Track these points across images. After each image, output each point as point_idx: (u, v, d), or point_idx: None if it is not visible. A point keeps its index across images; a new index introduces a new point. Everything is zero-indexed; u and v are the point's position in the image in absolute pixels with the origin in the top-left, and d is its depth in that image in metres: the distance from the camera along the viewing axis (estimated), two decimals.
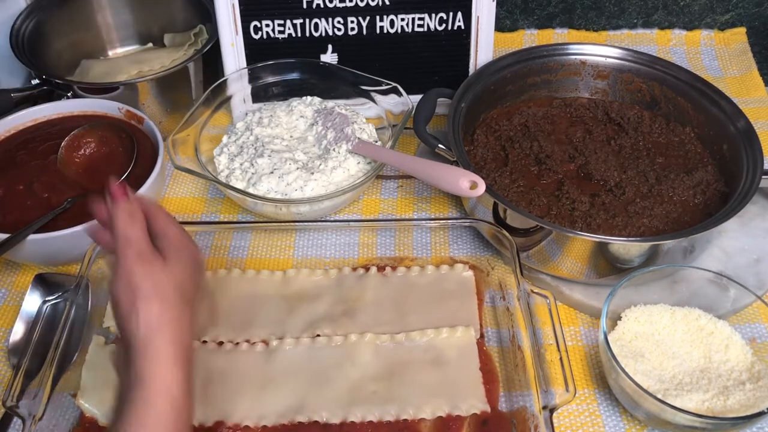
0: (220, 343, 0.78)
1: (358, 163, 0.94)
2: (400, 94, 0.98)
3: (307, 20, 1.01)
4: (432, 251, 0.90)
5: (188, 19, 1.15)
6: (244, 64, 1.03)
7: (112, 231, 0.61)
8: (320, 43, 1.03)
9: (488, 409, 0.72)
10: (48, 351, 0.70)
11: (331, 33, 1.03)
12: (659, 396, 0.68)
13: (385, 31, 1.03)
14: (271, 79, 1.04)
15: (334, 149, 0.94)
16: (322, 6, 1.00)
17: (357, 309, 0.81)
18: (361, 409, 0.72)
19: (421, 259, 0.88)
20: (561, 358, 0.69)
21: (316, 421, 0.71)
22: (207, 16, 1.10)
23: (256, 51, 1.03)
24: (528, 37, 1.24)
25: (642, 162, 0.91)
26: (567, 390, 0.67)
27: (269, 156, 0.93)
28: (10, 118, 0.96)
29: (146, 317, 0.56)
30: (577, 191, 0.86)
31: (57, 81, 0.99)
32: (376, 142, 0.98)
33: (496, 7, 1.02)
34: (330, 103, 1.02)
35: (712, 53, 1.22)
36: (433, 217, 0.96)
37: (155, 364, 0.55)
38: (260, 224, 0.93)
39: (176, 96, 1.04)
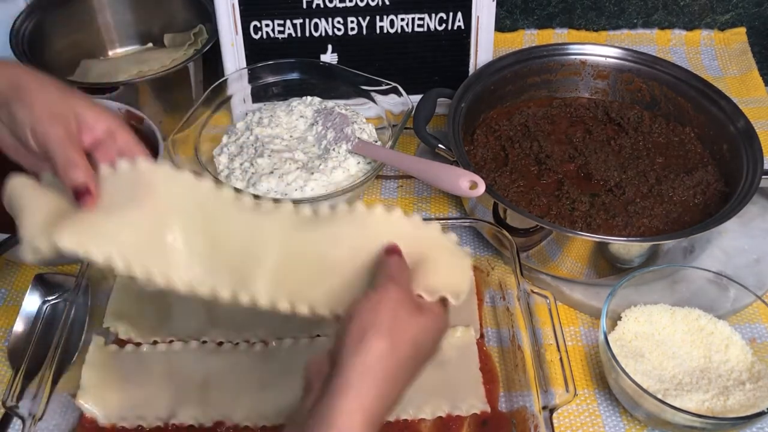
0: (220, 343, 0.78)
1: (358, 163, 0.94)
2: (400, 94, 0.98)
3: (307, 20, 1.01)
4: None
5: (188, 19, 1.15)
6: (244, 64, 1.03)
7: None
8: (320, 43, 1.03)
9: (488, 409, 0.72)
10: (48, 351, 0.70)
11: (331, 33, 1.03)
12: (659, 396, 0.68)
13: (385, 31, 1.03)
14: (271, 79, 1.04)
15: (334, 149, 0.94)
16: (322, 6, 1.00)
17: None
18: None
19: None
20: (561, 358, 0.69)
21: None
22: (207, 16, 1.10)
23: (256, 51, 1.03)
24: (528, 37, 1.24)
25: (642, 162, 0.91)
26: (567, 390, 0.67)
27: (269, 156, 0.93)
28: None
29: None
30: (577, 191, 0.86)
31: None
32: (376, 142, 0.98)
33: (496, 7, 1.01)
34: (330, 103, 1.02)
35: (712, 53, 1.22)
36: (433, 217, 0.96)
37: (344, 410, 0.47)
38: None
39: (176, 96, 1.04)
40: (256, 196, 0.86)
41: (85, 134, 0.59)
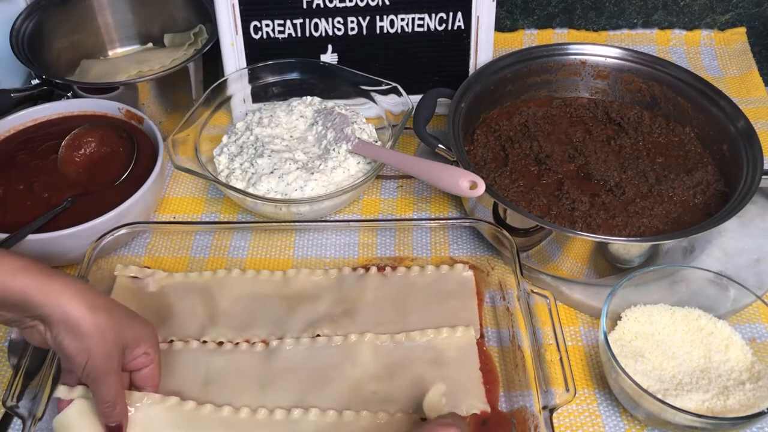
0: (220, 343, 0.78)
1: (358, 163, 0.94)
2: (400, 94, 0.98)
3: (307, 20, 1.01)
4: (432, 251, 0.90)
5: (188, 19, 1.15)
6: (244, 64, 1.03)
7: None
8: (320, 43, 1.03)
9: (488, 409, 0.72)
10: (48, 351, 0.70)
11: (331, 33, 1.03)
12: (659, 396, 0.68)
13: (385, 31, 1.03)
14: (271, 79, 1.04)
15: (334, 149, 0.94)
16: (322, 6, 1.00)
17: (357, 309, 0.81)
18: (361, 410, 0.71)
19: (421, 259, 0.88)
20: (561, 358, 0.69)
21: None
22: (207, 16, 1.10)
23: (256, 51, 1.03)
24: (528, 37, 1.24)
25: (642, 162, 0.91)
26: (567, 390, 0.67)
27: (269, 156, 0.93)
28: (10, 118, 0.96)
29: None
30: (577, 191, 0.86)
31: (57, 81, 0.99)
32: (376, 142, 0.98)
33: (496, 7, 1.02)
34: (330, 103, 1.02)
35: (712, 53, 1.22)
36: (433, 217, 0.96)
37: None
38: (260, 224, 0.93)
39: (176, 96, 1.04)
40: (257, 197, 0.87)
41: (126, 355, 0.67)
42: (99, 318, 0.63)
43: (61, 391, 0.68)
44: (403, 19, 1.02)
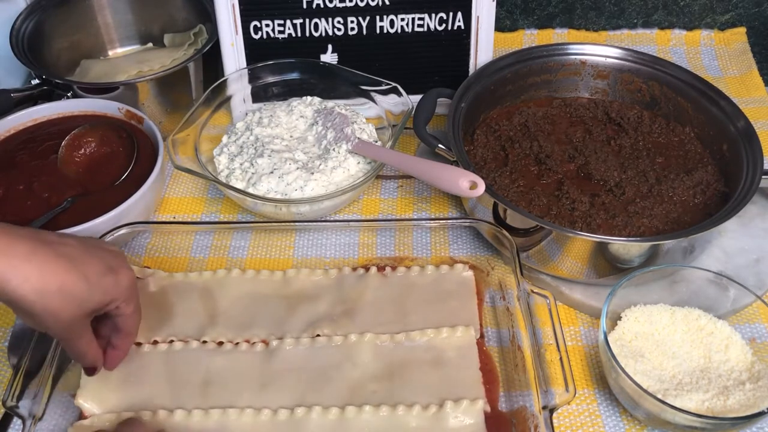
0: (220, 343, 0.78)
1: (358, 163, 0.94)
2: (400, 94, 0.98)
3: (307, 20, 1.01)
4: (432, 251, 0.90)
5: (188, 19, 1.15)
6: (244, 64, 1.03)
7: None
8: (320, 43, 1.03)
9: (488, 409, 0.72)
10: (48, 351, 0.70)
11: (331, 33, 1.03)
12: (659, 396, 0.68)
13: (385, 31, 1.03)
14: (271, 79, 1.04)
15: (334, 149, 0.94)
16: (322, 6, 1.00)
17: (357, 309, 0.81)
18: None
19: (421, 259, 0.88)
20: (561, 358, 0.69)
21: None
22: (207, 16, 1.10)
23: (256, 51, 1.03)
24: (528, 37, 1.24)
25: (642, 162, 0.91)
26: (567, 390, 0.67)
27: (269, 156, 0.93)
28: (10, 118, 0.96)
29: None
30: (577, 191, 0.86)
31: (57, 81, 0.99)
32: (376, 142, 0.98)
33: (496, 7, 1.02)
34: (330, 103, 1.02)
35: (712, 53, 1.22)
36: (433, 217, 0.96)
37: None
38: (260, 224, 0.93)
39: (176, 96, 1.04)
40: (257, 197, 0.87)
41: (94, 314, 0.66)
42: (50, 303, 0.61)
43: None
44: (403, 19, 1.02)
